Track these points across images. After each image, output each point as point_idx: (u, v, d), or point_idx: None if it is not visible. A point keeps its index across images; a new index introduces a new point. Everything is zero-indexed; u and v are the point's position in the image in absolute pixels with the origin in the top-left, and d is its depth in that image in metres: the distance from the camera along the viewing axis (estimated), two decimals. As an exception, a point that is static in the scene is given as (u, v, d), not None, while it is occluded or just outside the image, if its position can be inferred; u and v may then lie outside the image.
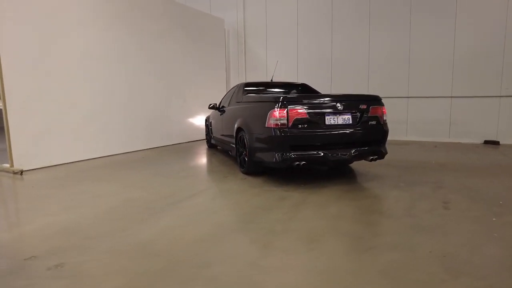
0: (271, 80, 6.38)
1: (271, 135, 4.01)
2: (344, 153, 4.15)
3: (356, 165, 5.42)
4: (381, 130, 4.39)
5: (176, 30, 8.49)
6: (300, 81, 9.59)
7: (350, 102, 4.26)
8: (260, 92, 5.79)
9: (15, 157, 5.34)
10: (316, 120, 4.05)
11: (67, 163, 5.94)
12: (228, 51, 10.60)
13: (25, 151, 5.44)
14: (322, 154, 4.03)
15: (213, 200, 3.75)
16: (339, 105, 4.14)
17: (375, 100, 4.42)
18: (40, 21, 5.58)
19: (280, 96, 4.04)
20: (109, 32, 6.76)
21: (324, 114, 4.10)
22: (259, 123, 4.28)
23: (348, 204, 3.51)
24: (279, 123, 3.95)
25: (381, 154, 4.39)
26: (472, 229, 2.80)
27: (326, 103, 4.16)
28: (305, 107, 4.01)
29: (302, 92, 6.02)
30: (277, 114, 3.96)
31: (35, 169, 5.48)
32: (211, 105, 6.64)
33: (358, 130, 4.22)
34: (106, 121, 6.77)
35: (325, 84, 9.28)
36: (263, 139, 4.22)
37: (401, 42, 8.32)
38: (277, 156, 3.99)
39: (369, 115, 4.29)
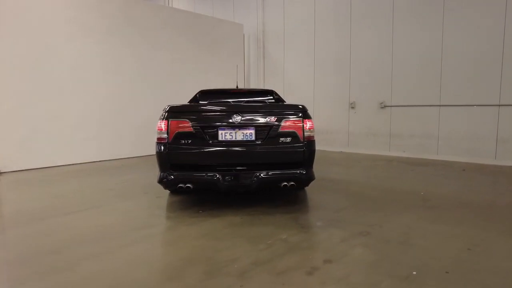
0: (236, 86, 5.71)
1: (156, 151, 3.47)
2: (244, 177, 3.33)
3: (314, 188, 4.39)
4: (300, 149, 3.40)
5: (183, 38, 8.44)
6: (316, 87, 8.59)
7: (254, 113, 3.42)
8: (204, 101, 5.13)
9: (0, 158, 5.93)
10: (205, 135, 3.35)
11: (50, 167, 6.35)
12: (248, 56, 10.15)
13: (10, 154, 5.99)
14: (212, 177, 3.31)
15: (81, 220, 3.39)
16: (237, 117, 3.35)
17: (292, 111, 3.46)
18: (32, 32, 6.09)
19: (166, 106, 3.47)
20: (103, 44, 7.03)
21: (217, 127, 3.37)
22: None
23: (197, 245, 2.74)
24: (162, 137, 3.39)
25: (299, 180, 3.41)
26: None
27: (220, 115, 3.42)
28: (190, 119, 3.35)
29: (273, 100, 5.20)
30: (159, 127, 3.41)
31: (17, 171, 5.98)
32: None
33: (264, 148, 3.35)
34: (97, 128, 7.05)
35: (344, 90, 8.03)
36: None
37: (431, 39, 6.60)
38: (160, 175, 3.43)
39: (280, 130, 3.37)
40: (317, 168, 6.09)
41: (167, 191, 4.38)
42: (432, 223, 3.17)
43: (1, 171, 5.85)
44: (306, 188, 4.48)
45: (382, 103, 7.37)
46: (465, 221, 3.25)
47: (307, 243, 2.74)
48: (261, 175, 3.33)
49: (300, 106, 3.53)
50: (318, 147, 8.50)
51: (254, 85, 10.10)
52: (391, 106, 7.28)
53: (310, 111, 8.65)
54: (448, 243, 2.72)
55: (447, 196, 4.11)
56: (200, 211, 3.59)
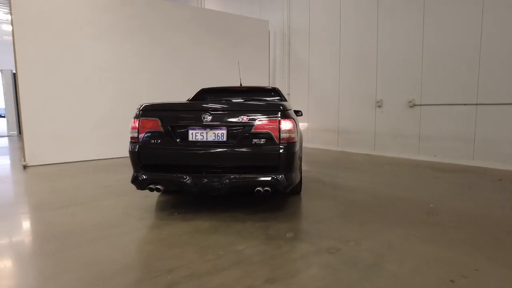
0: (240, 84, 5.48)
1: (128, 150, 3.40)
2: (214, 180, 3.13)
3: (311, 193, 4.05)
4: (275, 152, 3.09)
5: (207, 36, 8.43)
6: (341, 84, 8.05)
7: (226, 112, 3.19)
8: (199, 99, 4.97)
9: (27, 153, 6.39)
10: (174, 134, 3.20)
11: (71, 162, 6.70)
12: (274, 53, 9.86)
13: (36, 149, 6.44)
14: (182, 178, 3.15)
15: (59, 216, 3.45)
16: (208, 116, 3.15)
17: (268, 110, 3.16)
18: (56, 34, 6.49)
19: (142, 105, 3.39)
20: (124, 44, 7.28)
21: (187, 127, 3.20)
22: None
23: (146, 250, 2.61)
24: (133, 136, 3.32)
25: (275, 186, 3.10)
26: None
27: (191, 113, 3.24)
28: (160, 117, 3.22)
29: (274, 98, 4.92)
30: (132, 125, 3.34)
31: (41, 165, 6.41)
32: None
33: (235, 150, 3.11)
34: (118, 126, 7.27)
35: (370, 87, 7.40)
36: None
37: (468, 29, 5.76)
38: (132, 175, 3.36)
39: (253, 130, 3.10)
40: (327, 172, 5.70)
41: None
42: (423, 244, 2.68)
43: (28, 165, 6.31)
44: (302, 193, 4.17)
45: (411, 101, 6.64)
46: (468, 243, 2.69)
47: (261, 257, 2.45)
48: (234, 178, 3.10)
49: (279, 106, 3.22)
50: (342, 148, 8.08)
51: (279, 82, 9.80)
52: (421, 104, 6.52)
53: (332, 110, 8.13)
54: (430, 271, 2.25)
55: (461, 211, 3.50)
56: (175, 213, 3.47)
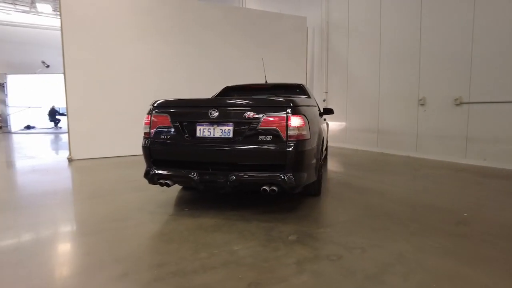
0: (265, 81, 5.36)
1: (141, 145, 3.48)
2: (220, 177, 3.07)
3: (332, 195, 3.83)
4: (281, 149, 2.94)
5: (244, 35, 8.46)
6: (381, 81, 7.57)
7: (233, 108, 3.11)
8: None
9: (72, 149, 6.93)
10: (183, 130, 3.20)
11: (109, 157, 7.11)
12: (312, 49, 9.57)
13: (79, 144, 6.95)
14: (190, 174, 3.14)
15: (76, 208, 3.65)
16: (213, 112, 3.10)
17: (275, 106, 3.01)
18: (98, 37, 6.96)
19: (155, 101, 3.44)
20: (159, 45, 7.57)
21: (195, 123, 3.18)
22: None
23: (144, 244, 2.64)
24: (146, 132, 3.39)
25: (281, 185, 2.95)
26: None
27: (199, 109, 3.21)
28: (169, 114, 3.24)
29: (299, 94, 4.75)
30: (145, 121, 3.41)
31: (83, 159, 6.89)
32: None
33: (240, 147, 3.02)
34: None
35: (412, 84, 6.84)
36: None
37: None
38: (145, 170, 3.43)
39: (259, 127, 2.98)
40: (358, 174, 5.37)
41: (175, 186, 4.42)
42: (441, 257, 2.35)
43: (72, 159, 6.83)
44: (322, 195, 3.95)
45: (457, 99, 5.99)
46: (497, 261, 2.31)
47: (253, 259, 2.33)
48: (239, 176, 3.02)
49: (289, 101, 3.06)
50: (381, 149, 7.59)
51: (317, 80, 9.50)
52: (469, 102, 5.85)
53: (372, 108, 7.80)
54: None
55: (500, 223, 3.04)
56: (186, 209, 3.48)
